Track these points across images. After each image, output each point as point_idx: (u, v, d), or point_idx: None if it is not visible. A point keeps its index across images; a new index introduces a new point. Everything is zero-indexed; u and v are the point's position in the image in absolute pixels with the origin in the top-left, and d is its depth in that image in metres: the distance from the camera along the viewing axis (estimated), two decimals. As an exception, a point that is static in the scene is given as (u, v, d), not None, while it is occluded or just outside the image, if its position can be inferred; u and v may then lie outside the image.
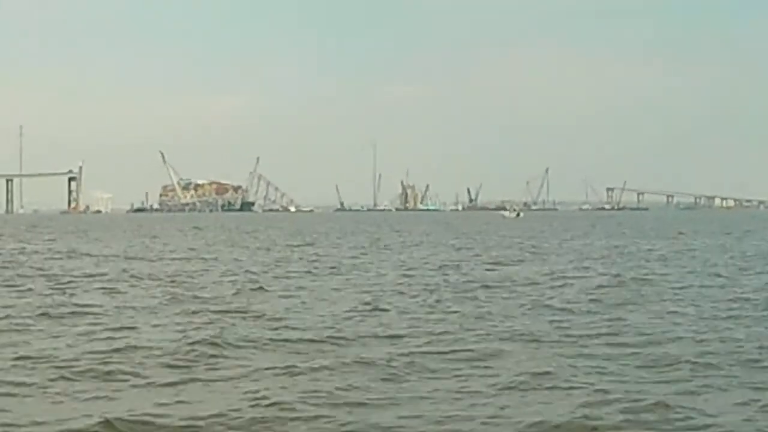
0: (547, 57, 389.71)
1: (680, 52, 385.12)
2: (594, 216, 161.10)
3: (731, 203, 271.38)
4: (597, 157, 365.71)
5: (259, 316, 15.99)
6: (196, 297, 19.47)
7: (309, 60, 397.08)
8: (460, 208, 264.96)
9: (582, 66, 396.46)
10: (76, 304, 17.98)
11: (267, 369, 10.95)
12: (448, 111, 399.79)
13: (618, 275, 24.58)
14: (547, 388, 9.85)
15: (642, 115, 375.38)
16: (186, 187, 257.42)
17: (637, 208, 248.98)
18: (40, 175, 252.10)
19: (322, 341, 13.09)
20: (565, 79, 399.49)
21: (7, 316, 16.04)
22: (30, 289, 21.49)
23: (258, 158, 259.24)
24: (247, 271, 27.75)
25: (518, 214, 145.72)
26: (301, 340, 13.18)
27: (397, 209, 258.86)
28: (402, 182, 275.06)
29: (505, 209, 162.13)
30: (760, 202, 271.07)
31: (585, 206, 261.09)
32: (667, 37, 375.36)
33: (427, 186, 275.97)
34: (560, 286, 21.86)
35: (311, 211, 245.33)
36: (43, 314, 16.34)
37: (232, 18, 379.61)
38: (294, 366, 11.04)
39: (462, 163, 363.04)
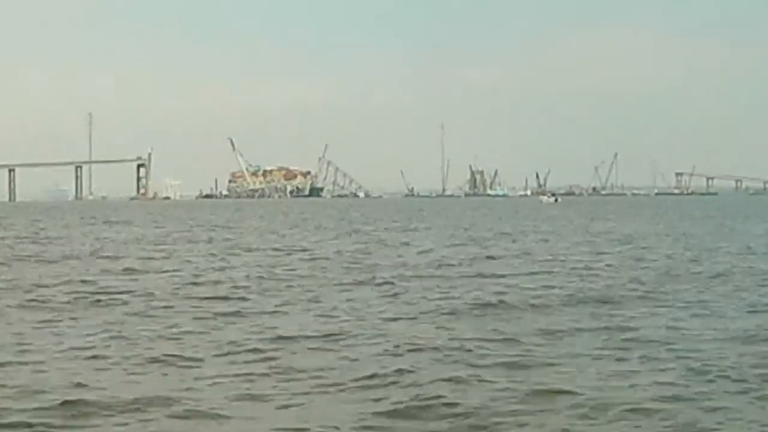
0: (617, 38, 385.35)
1: (748, 30, 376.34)
2: (655, 201, 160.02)
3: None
4: (667, 141, 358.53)
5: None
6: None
7: (379, 45, 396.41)
8: (528, 193, 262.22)
9: (651, 47, 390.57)
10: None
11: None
12: (518, 94, 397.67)
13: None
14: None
15: (712, 97, 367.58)
16: (255, 173, 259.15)
17: (707, 193, 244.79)
18: (109, 161, 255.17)
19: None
20: (636, 61, 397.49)
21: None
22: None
23: (326, 145, 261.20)
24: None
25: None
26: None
27: (466, 194, 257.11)
28: (470, 167, 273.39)
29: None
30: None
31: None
32: (734, 15, 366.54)
33: (496, 171, 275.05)
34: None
35: (380, 197, 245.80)
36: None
37: (301, 5, 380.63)
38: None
39: (531, 148, 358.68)
